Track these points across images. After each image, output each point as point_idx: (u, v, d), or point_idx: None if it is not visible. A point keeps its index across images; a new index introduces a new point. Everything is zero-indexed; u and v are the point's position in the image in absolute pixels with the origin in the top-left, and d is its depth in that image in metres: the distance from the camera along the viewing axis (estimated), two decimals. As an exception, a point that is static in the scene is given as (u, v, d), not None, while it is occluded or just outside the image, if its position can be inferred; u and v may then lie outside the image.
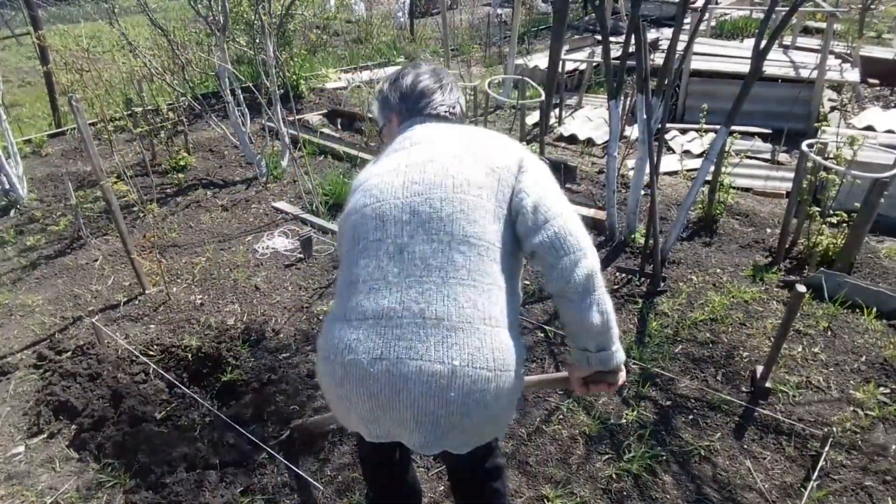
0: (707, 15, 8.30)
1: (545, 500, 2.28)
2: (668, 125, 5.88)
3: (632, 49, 3.46)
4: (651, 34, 8.62)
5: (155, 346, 3.16)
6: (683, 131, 5.91)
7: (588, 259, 1.39)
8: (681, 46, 4.58)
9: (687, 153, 5.46)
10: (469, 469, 1.74)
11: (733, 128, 3.55)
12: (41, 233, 4.34)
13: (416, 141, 1.58)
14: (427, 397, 1.32)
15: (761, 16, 7.05)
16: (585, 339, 1.45)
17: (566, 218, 1.41)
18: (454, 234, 1.39)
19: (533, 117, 6.44)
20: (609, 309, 1.42)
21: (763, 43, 3.16)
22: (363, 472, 2.02)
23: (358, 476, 2.37)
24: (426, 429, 1.36)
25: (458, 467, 1.78)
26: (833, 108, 6.41)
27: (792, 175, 3.89)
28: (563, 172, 4.94)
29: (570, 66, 7.41)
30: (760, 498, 2.27)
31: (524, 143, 5.76)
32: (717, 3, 9.84)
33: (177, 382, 2.89)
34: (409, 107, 1.68)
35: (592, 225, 4.11)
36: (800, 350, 2.95)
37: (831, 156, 3.79)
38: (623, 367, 1.51)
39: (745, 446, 2.49)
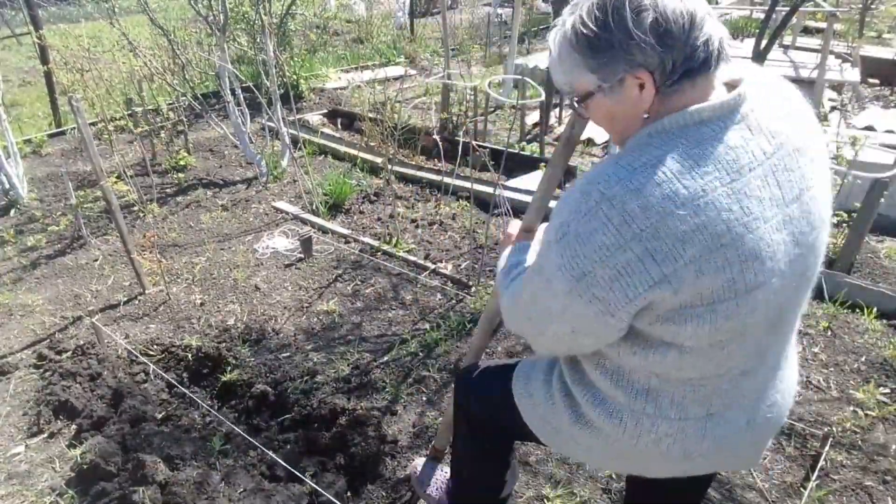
0: (707, 15, 8.28)
1: (545, 500, 2.28)
2: (668, 125, 5.86)
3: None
4: (651, 34, 8.60)
5: (155, 346, 3.16)
6: (683, 131, 5.90)
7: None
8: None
9: (687, 153, 5.45)
10: None
11: (733, 128, 3.55)
12: (41, 233, 4.34)
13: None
14: None
15: (761, 16, 7.05)
16: None
17: None
18: None
19: (533, 117, 6.43)
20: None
21: (763, 43, 3.17)
22: None
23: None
24: None
25: None
26: (833, 108, 6.41)
27: (792, 175, 3.88)
28: (564, 173, 4.93)
29: (570, 66, 7.39)
30: (760, 497, 2.27)
31: (524, 142, 5.76)
32: (717, 3, 9.84)
33: (176, 383, 2.89)
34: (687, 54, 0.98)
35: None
36: (800, 350, 2.95)
37: (831, 156, 3.79)
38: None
39: (745, 446, 2.49)
